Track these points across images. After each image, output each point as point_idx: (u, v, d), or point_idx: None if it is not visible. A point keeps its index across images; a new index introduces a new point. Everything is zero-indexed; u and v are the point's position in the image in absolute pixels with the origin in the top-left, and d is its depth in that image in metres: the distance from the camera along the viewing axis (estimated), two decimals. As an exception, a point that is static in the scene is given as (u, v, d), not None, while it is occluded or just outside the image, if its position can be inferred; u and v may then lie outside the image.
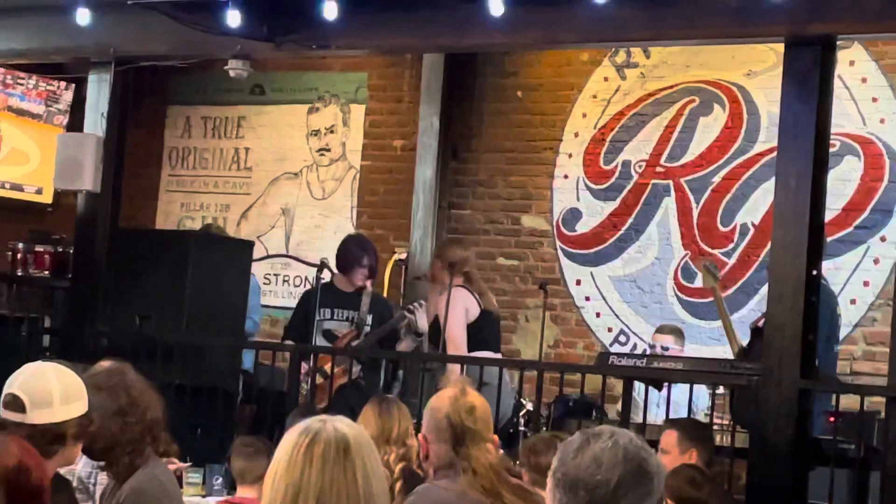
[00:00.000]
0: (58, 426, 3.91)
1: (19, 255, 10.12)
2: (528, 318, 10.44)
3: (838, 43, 7.05)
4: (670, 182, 10.09)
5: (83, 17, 8.26)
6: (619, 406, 7.91)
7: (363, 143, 11.38)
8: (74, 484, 5.42)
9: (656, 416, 7.90)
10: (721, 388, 7.84)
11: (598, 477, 2.70)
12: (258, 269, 10.64)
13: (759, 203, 9.67)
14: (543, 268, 10.48)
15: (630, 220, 10.22)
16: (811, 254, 6.73)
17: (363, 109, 11.40)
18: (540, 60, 10.62)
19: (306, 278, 11.11)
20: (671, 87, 10.15)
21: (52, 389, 3.92)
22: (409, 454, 5.80)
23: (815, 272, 6.76)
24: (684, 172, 10.05)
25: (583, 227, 10.40)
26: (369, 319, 9.13)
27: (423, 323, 8.92)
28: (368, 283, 9.27)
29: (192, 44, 8.45)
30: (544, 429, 7.91)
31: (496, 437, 4.57)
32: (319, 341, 8.97)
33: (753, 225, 9.75)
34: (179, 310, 8.59)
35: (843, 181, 9.33)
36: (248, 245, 9.66)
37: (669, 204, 10.08)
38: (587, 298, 10.34)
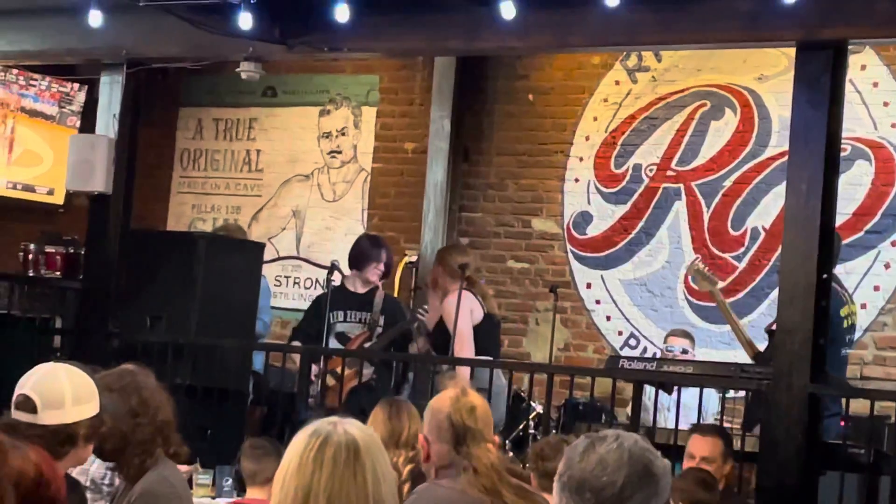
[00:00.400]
0: (69, 427, 3.92)
1: (31, 256, 10.14)
2: (539, 322, 10.44)
3: (850, 47, 7.04)
4: (681, 186, 10.09)
5: (95, 18, 8.28)
6: (629, 410, 7.91)
7: (374, 145, 11.39)
8: (87, 484, 5.44)
9: (666, 420, 7.89)
10: (731, 391, 7.84)
11: (604, 479, 2.72)
12: (269, 271, 10.66)
13: (770, 207, 9.66)
14: (554, 271, 10.48)
15: (641, 224, 10.22)
16: (822, 258, 6.72)
17: (374, 112, 11.41)
18: (551, 64, 10.62)
19: (317, 280, 11.13)
20: (682, 90, 10.15)
21: (64, 390, 3.93)
22: (418, 457, 5.80)
23: (825, 276, 6.76)
24: (695, 176, 10.04)
25: (593, 230, 10.40)
26: (381, 321, 9.14)
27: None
28: (380, 284, 9.28)
29: (204, 46, 8.47)
30: (554, 432, 7.91)
31: (497, 438, 4.59)
32: (332, 344, 8.97)
33: (764, 229, 9.75)
34: (190, 311, 8.60)
35: (854, 186, 9.32)
36: (259, 247, 9.68)
37: (680, 208, 10.08)
38: (597, 302, 10.34)
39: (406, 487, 5.52)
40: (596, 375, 8.00)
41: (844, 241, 8.91)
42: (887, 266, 9.36)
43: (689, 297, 9.93)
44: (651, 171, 10.20)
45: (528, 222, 10.64)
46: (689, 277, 9.28)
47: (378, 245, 9.33)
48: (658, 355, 9.29)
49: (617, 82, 10.39)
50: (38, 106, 11.56)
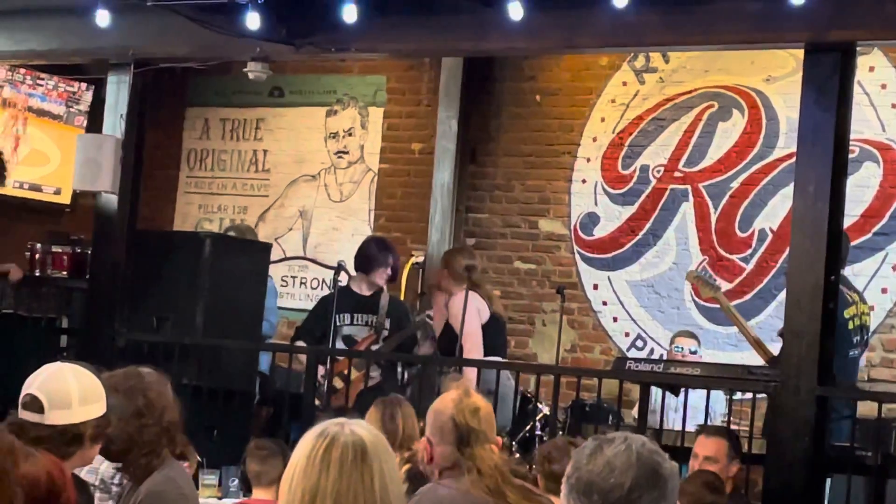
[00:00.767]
0: (76, 427, 3.92)
1: (37, 256, 10.14)
2: (545, 323, 10.43)
3: (858, 49, 7.03)
4: (688, 187, 10.08)
5: (103, 18, 8.28)
6: (635, 411, 7.90)
7: (381, 146, 11.39)
8: (97, 483, 5.44)
9: (673, 422, 7.89)
10: (738, 393, 7.83)
11: (612, 480, 2.73)
12: (275, 272, 10.66)
13: (778, 209, 9.65)
14: (561, 272, 10.48)
15: (648, 225, 10.21)
16: (829, 260, 6.71)
17: (381, 112, 11.41)
18: (559, 65, 10.61)
19: (323, 281, 11.14)
20: (690, 91, 10.14)
21: (71, 390, 3.93)
22: (415, 457, 5.79)
23: (832, 278, 6.75)
24: (703, 177, 10.03)
25: (600, 231, 10.39)
26: (387, 324, 9.13)
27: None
28: (385, 287, 9.28)
29: (211, 46, 8.46)
30: (560, 433, 7.90)
31: (500, 439, 4.59)
32: (339, 346, 8.96)
33: (771, 231, 9.73)
34: (196, 311, 8.60)
35: (861, 187, 9.31)
36: (266, 247, 9.69)
37: (687, 209, 10.07)
38: (604, 303, 10.33)
39: (404, 488, 5.51)
40: (603, 377, 7.99)
41: (852, 243, 8.90)
42: (895, 268, 9.34)
43: (696, 299, 9.92)
44: (658, 172, 10.19)
45: (535, 223, 10.64)
46: (692, 283, 9.27)
47: (386, 248, 9.32)
48: (665, 356, 9.29)
49: (624, 83, 10.38)
50: (45, 105, 11.57)
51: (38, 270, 10.12)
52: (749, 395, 7.50)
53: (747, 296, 9.67)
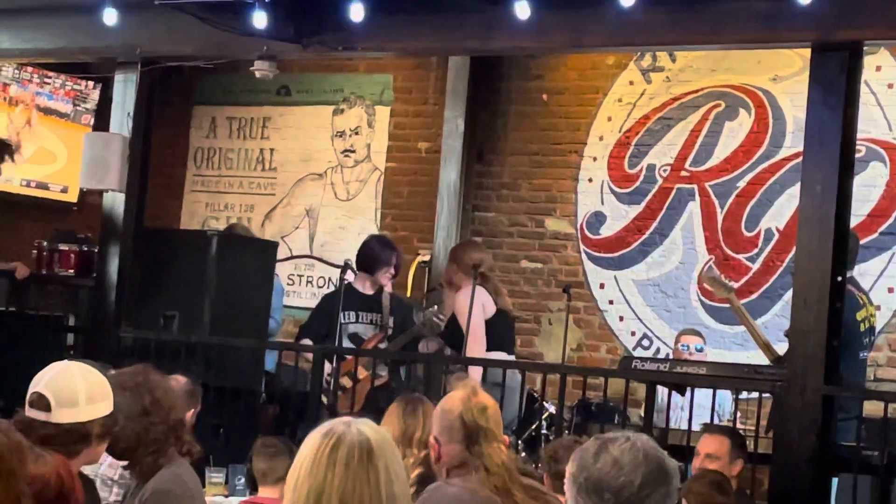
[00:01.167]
0: (83, 426, 3.92)
1: (44, 254, 10.14)
2: (552, 322, 10.43)
3: (865, 49, 7.03)
4: (695, 186, 10.07)
5: (110, 17, 8.29)
6: (641, 410, 7.90)
7: (388, 144, 11.39)
8: (116, 478, 5.44)
9: (679, 421, 7.88)
10: (745, 392, 7.83)
11: (622, 478, 2.74)
12: (282, 270, 10.66)
13: (784, 208, 9.64)
14: (567, 271, 10.47)
15: (654, 224, 10.20)
16: (836, 260, 6.71)
17: (388, 111, 11.41)
18: (565, 64, 10.61)
19: (330, 279, 11.14)
20: (697, 91, 10.13)
21: (78, 389, 3.94)
22: (429, 459, 5.79)
23: (839, 278, 6.74)
24: (709, 177, 10.03)
25: (607, 230, 10.39)
26: (391, 322, 9.13)
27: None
28: (389, 285, 9.28)
29: (218, 44, 8.47)
30: (567, 432, 7.90)
31: (507, 438, 4.59)
32: (346, 345, 8.96)
33: (778, 230, 9.73)
34: (203, 310, 8.61)
35: (868, 187, 9.30)
36: (273, 246, 9.69)
37: (694, 208, 10.06)
38: (611, 302, 10.33)
39: (412, 491, 5.51)
40: (609, 376, 7.99)
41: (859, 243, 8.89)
42: (902, 268, 9.34)
43: (703, 298, 9.91)
44: (665, 171, 10.19)
45: (542, 222, 10.64)
46: (705, 285, 9.25)
47: (389, 247, 9.31)
48: (671, 355, 9.28)
49: (631, 82, 10.38)
50: (52, 104, 11.58)
51: (44, 268, 10.11)
52: (755, 395, 7.50)
53: (753, 295, 9.66)
